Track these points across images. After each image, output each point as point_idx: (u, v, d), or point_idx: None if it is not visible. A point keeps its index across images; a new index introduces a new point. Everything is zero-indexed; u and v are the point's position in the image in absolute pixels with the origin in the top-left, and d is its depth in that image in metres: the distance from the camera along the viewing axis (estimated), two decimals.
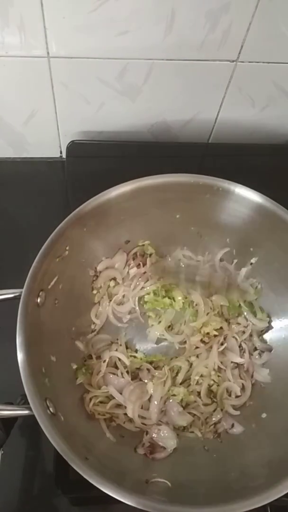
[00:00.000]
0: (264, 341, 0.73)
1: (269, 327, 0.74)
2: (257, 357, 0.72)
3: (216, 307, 0.74)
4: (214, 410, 0.68)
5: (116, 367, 0.69)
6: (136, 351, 0.72)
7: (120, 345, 0.71)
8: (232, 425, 0.66)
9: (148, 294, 0.74)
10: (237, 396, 0.69)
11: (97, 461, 0.54)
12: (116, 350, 0.70)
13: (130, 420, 0.65)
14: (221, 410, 0.68)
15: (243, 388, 0.69)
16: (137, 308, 0.74)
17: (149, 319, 0.74)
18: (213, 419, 0.67)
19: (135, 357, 0.70)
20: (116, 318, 0.75)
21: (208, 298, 0.74)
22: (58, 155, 0.98)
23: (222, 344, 0.71)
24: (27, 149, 0.96)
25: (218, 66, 0.81)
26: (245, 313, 0.74)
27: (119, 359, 0.69)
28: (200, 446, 0.65)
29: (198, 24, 0.73)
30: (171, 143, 0.98)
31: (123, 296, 0.75)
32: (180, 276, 0.75)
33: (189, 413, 0.67)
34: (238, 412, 0.68)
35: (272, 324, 0.74)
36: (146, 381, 0.68)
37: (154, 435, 0.64)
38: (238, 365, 0.71)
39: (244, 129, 0.97)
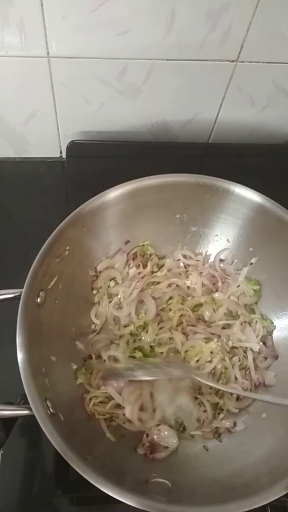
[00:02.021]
0: (269, 346, 0.73)
1: (272, 332, 0.73)
2: (261, 360, 0.72)
3: None
4: (218, 413, 0.67)
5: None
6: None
7: (119, 344, 0.71)
8: (234, 424, 0.66)
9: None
10: (238, 399, 0.69)
11: (97, 461, 0.54)
12: (116, 350, 0.70)
13: (130, 420, 0.65)
14: (222, 411, 0.67)
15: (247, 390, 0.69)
16: (133, 314, 0.74)
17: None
18: (216, 422, 0.66)
19: (134, 357, 0.70)
20: (116, 322, 0.74)
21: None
22: (58, 155, 0.99)
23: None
24: (27, 149, 0.96)
25: (218, 66, 0.81)
26: (249, 322, 0.73)
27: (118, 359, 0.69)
28: (200, 446, 0.65)
29: (198, 24, 0.73)
30: (171, 143, 0.98)
31: (120, 300, 0.75)
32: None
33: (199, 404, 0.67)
34: (237, 410, 0.67)
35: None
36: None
37: (154, 436, 0.64)
38: (244, 367, 0.71)
39: (244, 129, 0.97)
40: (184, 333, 0.72)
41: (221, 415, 0.67)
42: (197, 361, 0.69)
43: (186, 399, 0.66)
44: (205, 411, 0.66)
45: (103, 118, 0.90)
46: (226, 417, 0.67)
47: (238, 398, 0.68)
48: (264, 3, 0.71)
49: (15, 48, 0.75)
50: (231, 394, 0.68)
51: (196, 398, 0.67)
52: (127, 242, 0.76)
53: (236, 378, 0.69)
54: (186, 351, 0.70)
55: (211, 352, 0.69)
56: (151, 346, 0.71)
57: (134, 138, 0.95)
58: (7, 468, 0.66)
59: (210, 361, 0.69)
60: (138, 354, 0.70)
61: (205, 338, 0.70)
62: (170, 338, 0.71)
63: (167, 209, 0.74)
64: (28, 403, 0.53)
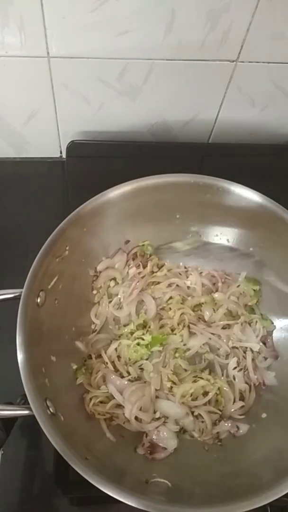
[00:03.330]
0: (269, 346, 0.73)
1: (272, 332, 0.73)
2: (261, 360, 0.72)
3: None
4: (219, 421, 0.67)
5: (116, 367, 0.69)
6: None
7: (120, 343, 0.71)
8: (238, 428, 0.66)
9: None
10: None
11: (97, 461, 0.54)
12: (116, 349, 0.70)
13: (129, 419, 0.65)
14: (223, 419, 0.67)
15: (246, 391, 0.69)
16: (133, 314, 0.74)
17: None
18: (217, 428, 0.66)
19: (142, 339, 0.70)
20: (115, 322, 0.74)
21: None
22: (58, 155, 0.98)
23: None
24: (27, 149, 0.96)
25: (218, 66, 0.81)
26: (249, 322, 0.73)
27: (119, 357, 0.69)
28: (200, 446, 0.65)
29: (198, 24, 0.73)
30: (171, 143, 0.98)
31: (120, 300, 0.75)
32: None
33: (196, 416, 0.66)
34: (242, 416, 0.67)
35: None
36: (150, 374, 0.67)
37: (154, 436, 0.64)
38: (243, 368, 0.71)
39: (244, 129, 0.97)
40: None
41: (222, 422, 0.66)
42: (191, 395, 0.67)
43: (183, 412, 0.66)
44: (203, 421, 0.66)
45: (103, 118, 0.90)
46: (228, 423, 0.66)
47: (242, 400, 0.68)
48: (264, 3, 0.71)
49: (15, 48, 0.74)
50: (234, 401, 0.68)
51: (192, 412, 0.66)
52: (127, 242, 0.76)
53: (234, 401, 0.68)
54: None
55: (203, 386, 0.67)
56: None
57: (134, 138, 0.95)
58: (7, 468, 0.66)
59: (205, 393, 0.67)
60: (147, 337, 0.70)
61: (194, 377, 0.68)
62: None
63: (167, 209, 0.74)
64: (28, 403, 0.53)
